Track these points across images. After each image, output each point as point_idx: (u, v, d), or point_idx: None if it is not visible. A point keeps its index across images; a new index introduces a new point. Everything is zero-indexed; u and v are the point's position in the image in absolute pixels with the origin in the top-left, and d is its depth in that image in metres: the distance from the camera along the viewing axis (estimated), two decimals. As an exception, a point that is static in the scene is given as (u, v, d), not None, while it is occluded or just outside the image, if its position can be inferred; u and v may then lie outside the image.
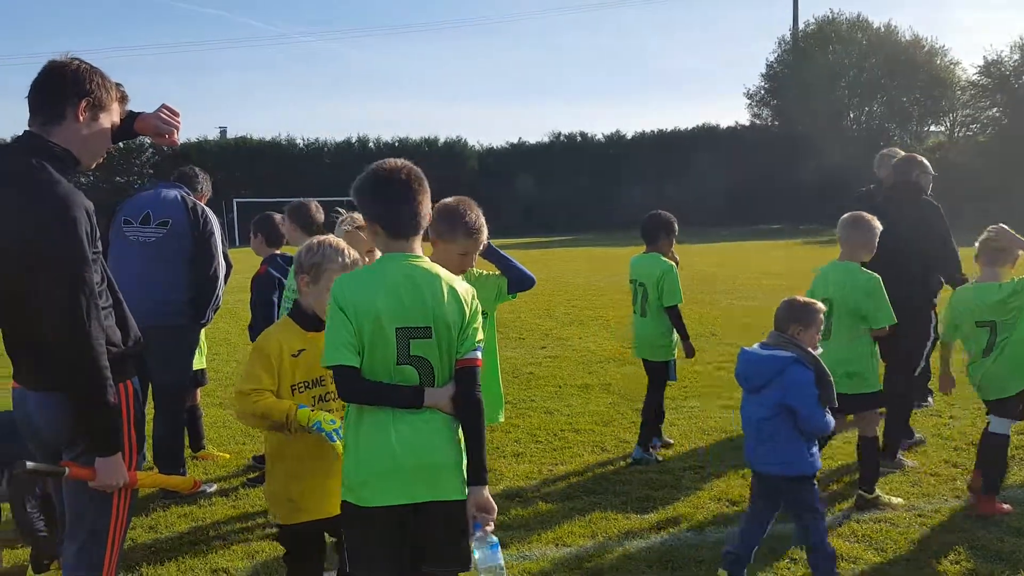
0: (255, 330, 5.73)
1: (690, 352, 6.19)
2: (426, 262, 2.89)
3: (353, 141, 47.72)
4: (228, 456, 6.42)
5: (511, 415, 7.22)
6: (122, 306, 3.03)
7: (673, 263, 6.19)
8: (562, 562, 4.39)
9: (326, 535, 3.51)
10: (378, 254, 3.01)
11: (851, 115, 48.98)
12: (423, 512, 2.82)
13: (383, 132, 73.69)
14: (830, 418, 4.01)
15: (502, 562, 2.78)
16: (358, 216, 3.65)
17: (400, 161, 2.91)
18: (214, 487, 5.67)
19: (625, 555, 4.49)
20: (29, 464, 2.88)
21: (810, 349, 4.01)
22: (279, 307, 5.63)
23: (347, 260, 3.39)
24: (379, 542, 2.84)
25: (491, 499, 2.83)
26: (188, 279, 5.50)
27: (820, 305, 4.15)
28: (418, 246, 2.91)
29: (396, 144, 47.60)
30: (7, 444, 4.07)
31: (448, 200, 3.78)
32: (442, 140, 48.92)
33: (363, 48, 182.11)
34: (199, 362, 6.35)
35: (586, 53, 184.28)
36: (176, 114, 3.28)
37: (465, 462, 2.86)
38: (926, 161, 6.16)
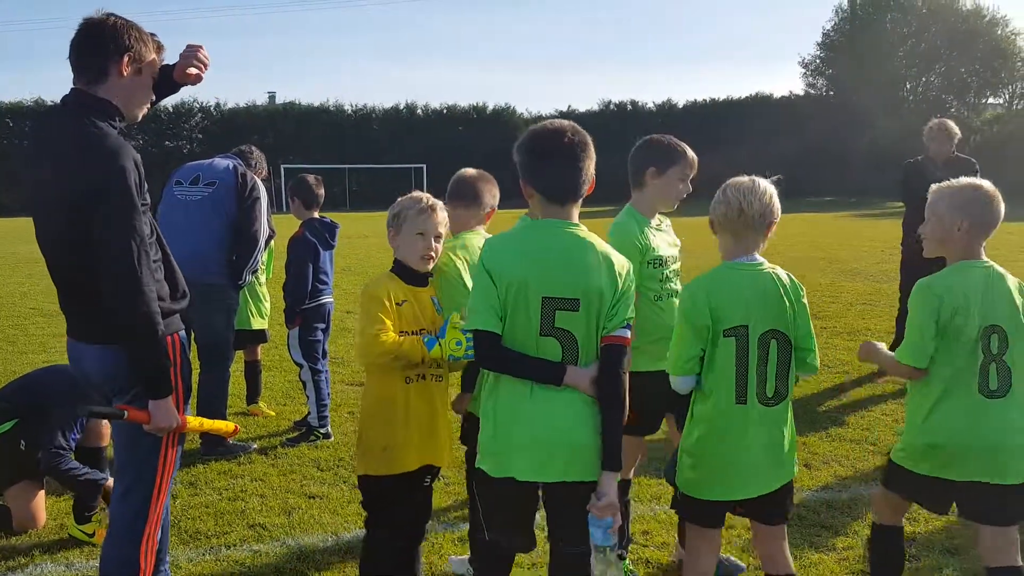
0: (288, 290, 5.84)
1: None
2: (583, 230, 2.76)
3: (401, 107, 47.83)
4: (273, 414, 6.58)
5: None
6: (171, 261, 3.08)
7: None
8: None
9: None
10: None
11: (908, 86, 47.91)
12: (554, 489, 2.73)
13: (431, 98, 73.77)
14: None
15: (613, 542, 2.68)
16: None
17: (565, 123, 2.77)
18: (254, 445, 5.79)
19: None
20: (91, 407, 2.99)
21: None
22: (314, 271, 5.76)
23: (424, 204, 3.31)
24: (511, 511, 2.81)
25: (616, 489, 2.69)
26: (229, 240, 5.57)
27: None
28: (575, 213, 2.79)
29: (444, 111, 47.65)
30: (68, 394, 4.26)
31: (655, 136, 3.78)
32: (490, 107, 48.75)
33: (416, 11, 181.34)
34: (260, 322, 6.52)
35: (636, 19, 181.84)
36: (198, 47, 3.26)
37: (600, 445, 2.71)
38: None
